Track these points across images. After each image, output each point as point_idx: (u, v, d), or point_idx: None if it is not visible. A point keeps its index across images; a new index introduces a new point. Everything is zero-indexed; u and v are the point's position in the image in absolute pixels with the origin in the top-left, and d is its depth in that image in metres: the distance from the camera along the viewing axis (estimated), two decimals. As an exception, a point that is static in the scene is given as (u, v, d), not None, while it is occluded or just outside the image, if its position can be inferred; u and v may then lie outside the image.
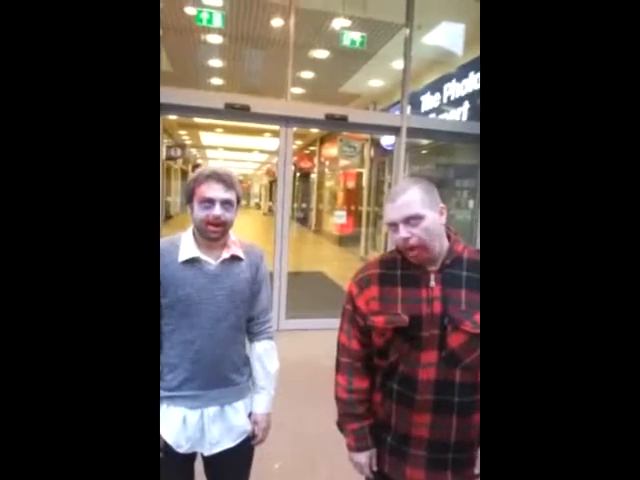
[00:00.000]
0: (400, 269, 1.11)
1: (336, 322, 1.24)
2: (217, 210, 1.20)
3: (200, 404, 1.25)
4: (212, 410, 1.27)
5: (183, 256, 1.24)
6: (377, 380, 1.16)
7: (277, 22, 4.86)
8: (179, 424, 1.24)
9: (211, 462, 1.31)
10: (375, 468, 1.17)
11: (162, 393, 1.24)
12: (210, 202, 1.20)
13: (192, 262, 1.24)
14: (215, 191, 1.20)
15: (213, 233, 1.22)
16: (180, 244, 1.26)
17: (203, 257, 1.25)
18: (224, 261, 1.27)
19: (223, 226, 1.22)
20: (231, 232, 1.30)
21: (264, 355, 1.36)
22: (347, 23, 4.77)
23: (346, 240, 8.96)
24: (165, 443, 1.23)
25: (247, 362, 1.36)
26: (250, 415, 1.34)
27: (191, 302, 1.23)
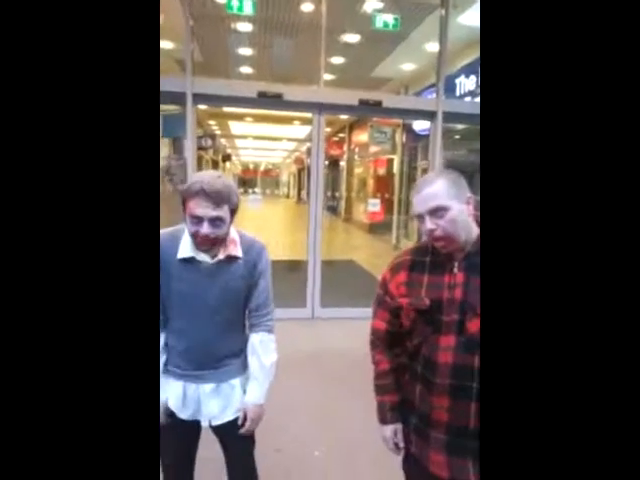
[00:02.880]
0: (429, 256, 1.15)
1: (370, 311, 1.28)
2: (204, 228, 1.18)
3: (196, 381, 1.34)
4: (208, 387, 1.34)
5: (181, 254, 1.27)
6: (405, 361, 1.22)
7: (307, 7, 4.78)
8: (180, 394, 1.34)
9: (216, 430, 1.41)
10: (401, 445, 1.23)
11: (163, 367, 1.34)
12: (198, 219, 1.17)
13: (189, 260, 1.27)
14: (203, 209, 1.16)
15: (203, 246, 1.23)
16: (181, 239, 1.28)
17: (199, 257, 1.27)
18: (220, 260, 1.29)
19: (212, 241, 1.22)
20: (233, 228, 1.30)
21: (259, 347, 1.37)
22: (379, 5, 4.65)
23: (376, 228, 8.86)
24: (170, 410, 1.33)
25: (244, 346, 1.40)
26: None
27: (186, 296, 1.28)
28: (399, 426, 1.23)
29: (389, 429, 1.24)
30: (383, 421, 1.25)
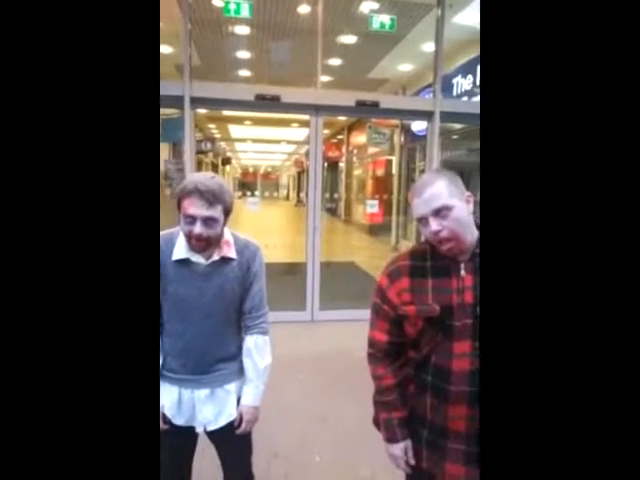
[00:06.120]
0: (430, 260, 1.11)
1: (369, 313, 1.23)
2: (197, 228, 1.18)
3: (191, 386, 1.34)
4: (203, 392, 1.34)
5: (175, 255, 1.27)
6: (410, 372, 1.16)
7: (304, 9, 4.78)
8: (176, 400, 1.33)
9: (211, 436, 1.40)
10: (412, 462, 1.17)
11: (160, 372, 1.33)
12: (192, 218, 1.18)
13: (184, 261, 1.27)
14: (196, 208, 1.16)
15: (196, 246, 1.23)
16: (176, 241, 1.28)
17: (193, 258, 1.28)
18: (214, 262, 1.29)
19: (205, 242, 1.21)
20: (227, 230, 1.31)
21: (254, 349, 1.37)
22: (376, 6, 4.65)
23: (376, 229, 8.85)
24: (166, 415, 1.33)
25: (239, 351, 1.39)
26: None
27: (181, 298, 1.28)
28: (409, 443, 1.17)
29: (399, 447, 1.17)
30: (392, 440, 1.17)
